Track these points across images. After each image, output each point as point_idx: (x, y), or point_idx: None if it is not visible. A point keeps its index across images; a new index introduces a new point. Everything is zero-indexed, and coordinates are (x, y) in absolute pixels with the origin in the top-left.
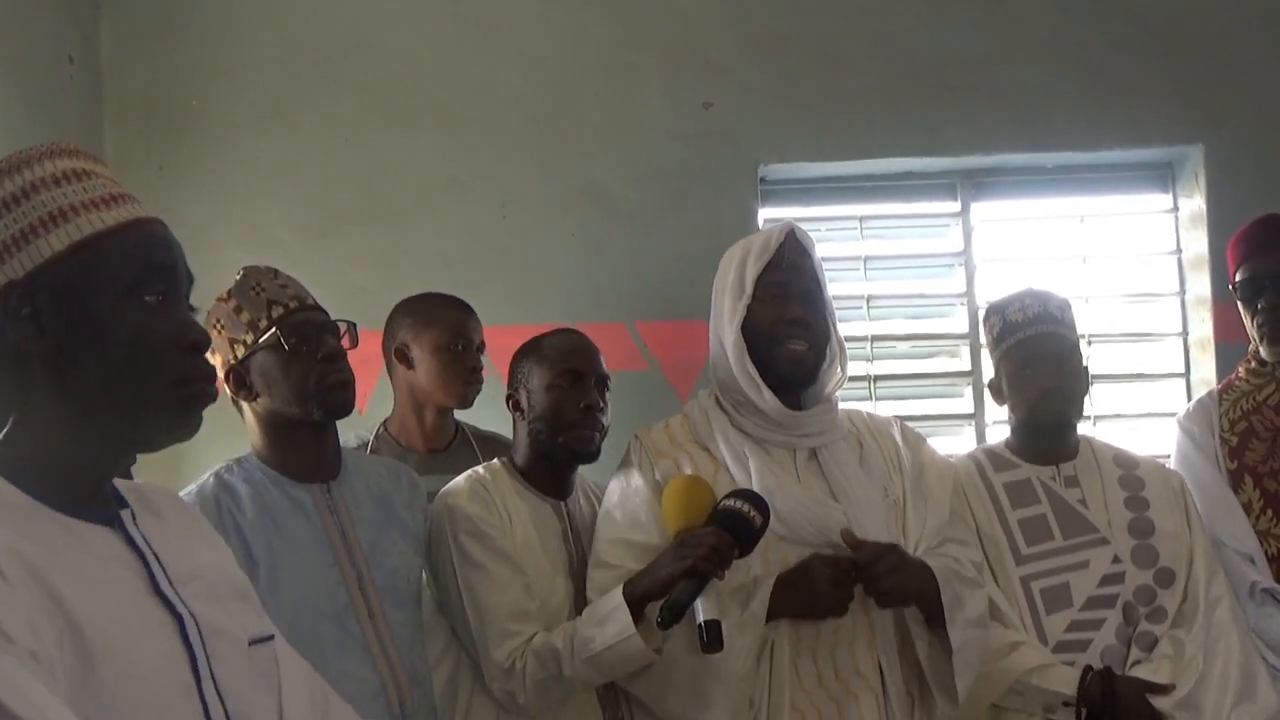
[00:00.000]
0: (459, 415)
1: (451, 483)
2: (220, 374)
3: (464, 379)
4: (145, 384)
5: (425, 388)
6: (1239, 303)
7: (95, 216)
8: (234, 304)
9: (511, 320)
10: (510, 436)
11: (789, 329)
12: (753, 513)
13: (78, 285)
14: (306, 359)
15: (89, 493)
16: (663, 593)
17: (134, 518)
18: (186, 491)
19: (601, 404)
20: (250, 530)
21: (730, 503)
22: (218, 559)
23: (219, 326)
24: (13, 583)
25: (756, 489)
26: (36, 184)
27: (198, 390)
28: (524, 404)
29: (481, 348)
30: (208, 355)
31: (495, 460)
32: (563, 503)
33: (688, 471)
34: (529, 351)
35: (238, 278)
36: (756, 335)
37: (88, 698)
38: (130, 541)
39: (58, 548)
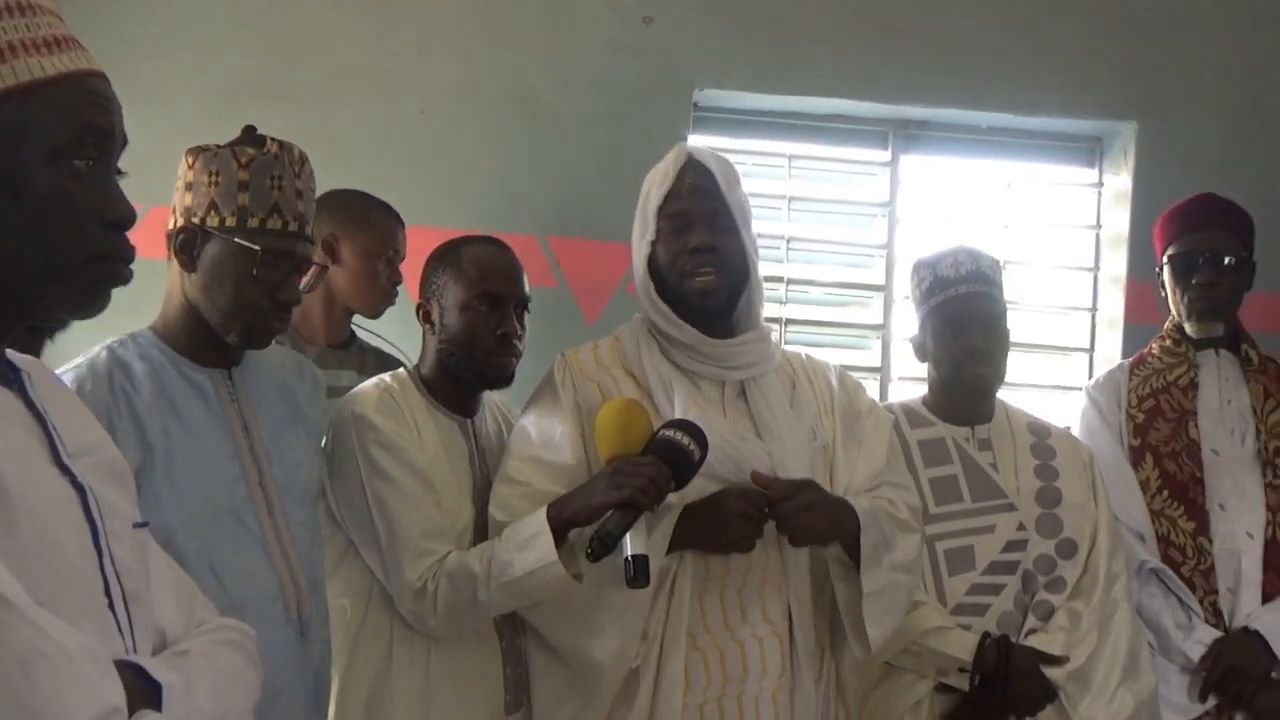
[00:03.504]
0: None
1: (356, 390)
2: (172, 222)
3: (385, 292)
4: (57, 254)
5: (344, 288)
6: (1167, 278)
7: (35, 61)
8: (241, 172)
9: (419, 221)
10: (398, 354)
11: (692, 259)
12: (692, 445)
13: (2, 135)
14: (264, 289)
15: None
16: (590, 520)
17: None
18: (73, 365)
19: (520, 330)
20: (146, 413)
21: (670, 433)
22: (100, 438)
23: (211, 177)
24: None
25: None
26: None
27: (112, 271)
28: (435, 319)
29: (402, 260)
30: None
31: (402, 370)
32: (469, 421)
33: (613, 396)
34: (444, 261)
35: (269, 148)
36: (665, 270)
37: (8, 558)
38: (31, 406)
39: None
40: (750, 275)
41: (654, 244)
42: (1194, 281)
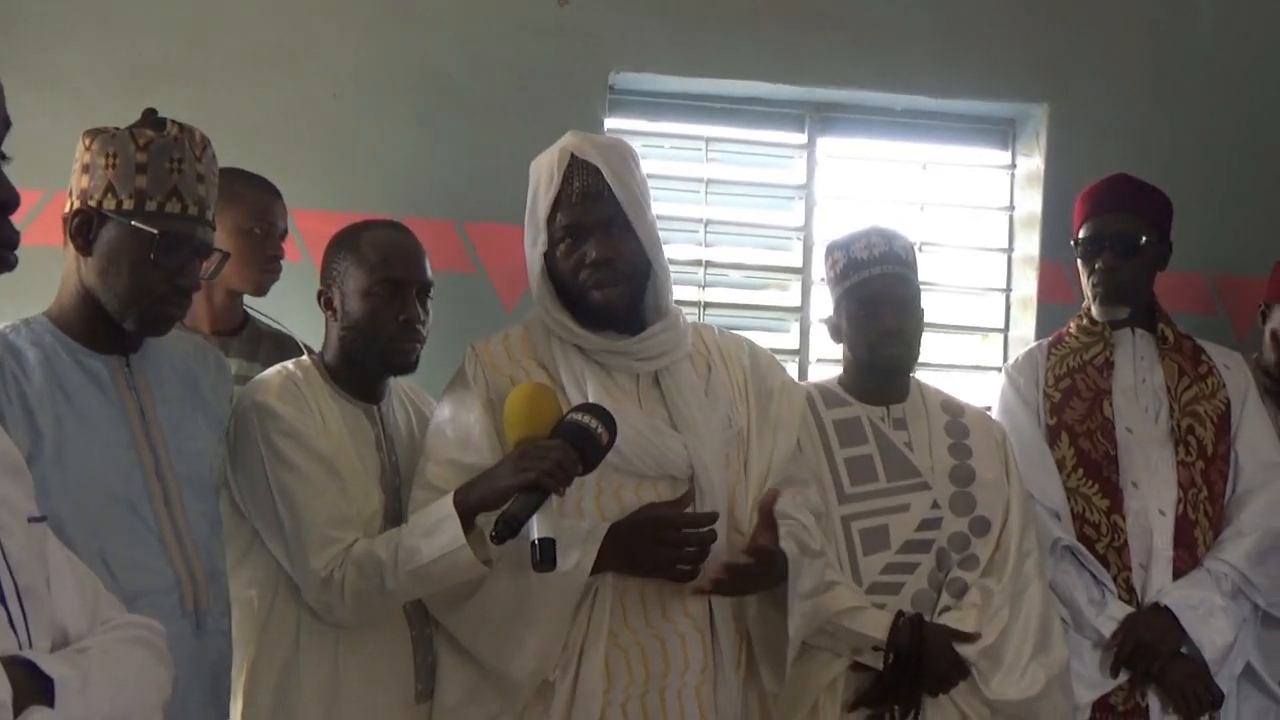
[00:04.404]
0: (253, 303)
1: (258, 378)
2: (68, 205)
3: (262, 266)
4: None
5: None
6: (1078, 259)
7: None
8: (140, 155)
9: (333, 206)
10: (299, 338)
11: (592, 274)
12: (600, 429)
13: None
14: (162, 274)
15: None
16: (497, 504)
17: None
18: None
19: (422, 315)
20: (36, 400)
21: (578, 416)
22: None
23: (109, 159)
24: None
25: None
26: None
27: None
28: (337, 305)
29: (284, 234)
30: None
31: (305, 357)
32: (375, 407)
33: (533, 380)
34: (344, 246)
35: (169, 130)
36: (563, 279)
37: None
38: None
39: None
40: (653, 265)
41: (545, 256)
42: (1098, 266)
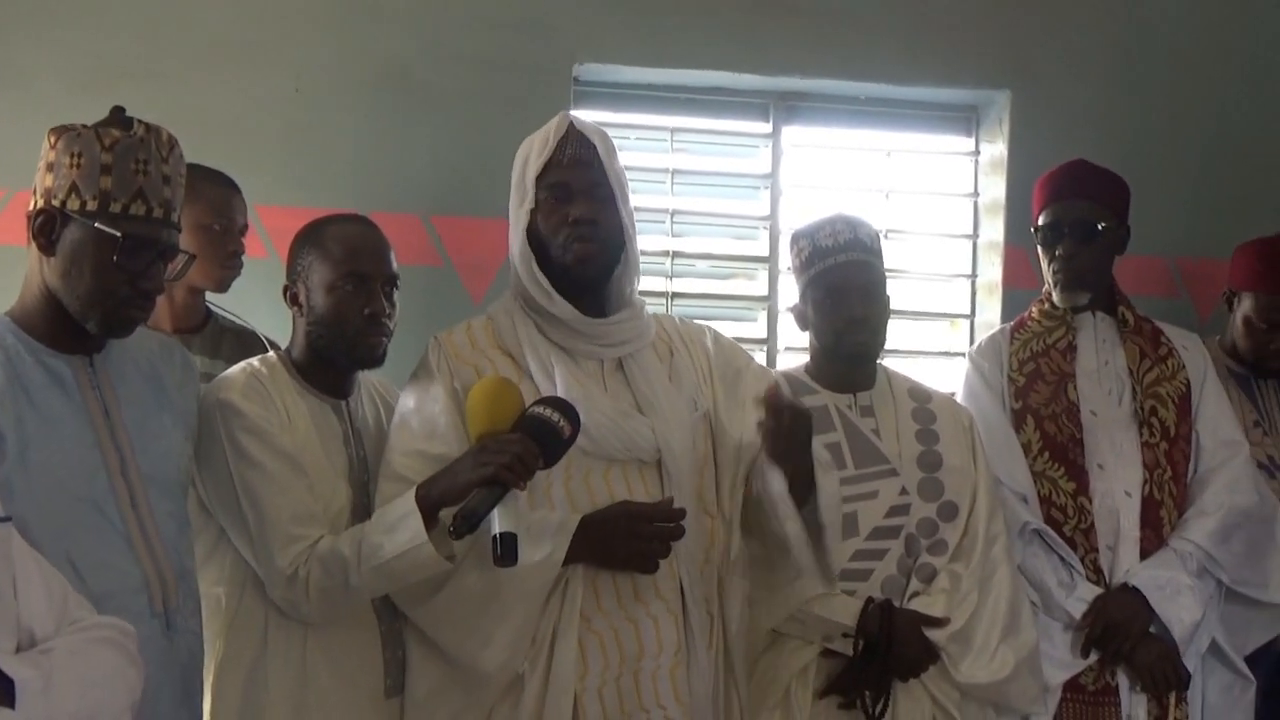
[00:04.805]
0: (220, 300)
1: (223, 375)
2: (32, 203)
3: (222, 262)
4: None
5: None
6: (1039, 245)
7: None
8: (105, 155)
9: (298, 202)
10: (262, 334)
11: (573, 230)
12: (562, 422)
13: None
14: (124, 276)
15: None
16: (459, 499)
17: None
18: None
19: (388, 308)
20: None
21: (539, 410)
22: None
23: (73, 158)
24: None
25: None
26: None
27: None
28: (302, 301)
29: (244, 230)
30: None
31: (271, 354)
32: (343, 403)
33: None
34: (309, 241)
35: (135, 130)
36: (544, 240)
37: None
38: None
39: None
40: (626, 248)
41: (533, 213)
42: (1058, 253)
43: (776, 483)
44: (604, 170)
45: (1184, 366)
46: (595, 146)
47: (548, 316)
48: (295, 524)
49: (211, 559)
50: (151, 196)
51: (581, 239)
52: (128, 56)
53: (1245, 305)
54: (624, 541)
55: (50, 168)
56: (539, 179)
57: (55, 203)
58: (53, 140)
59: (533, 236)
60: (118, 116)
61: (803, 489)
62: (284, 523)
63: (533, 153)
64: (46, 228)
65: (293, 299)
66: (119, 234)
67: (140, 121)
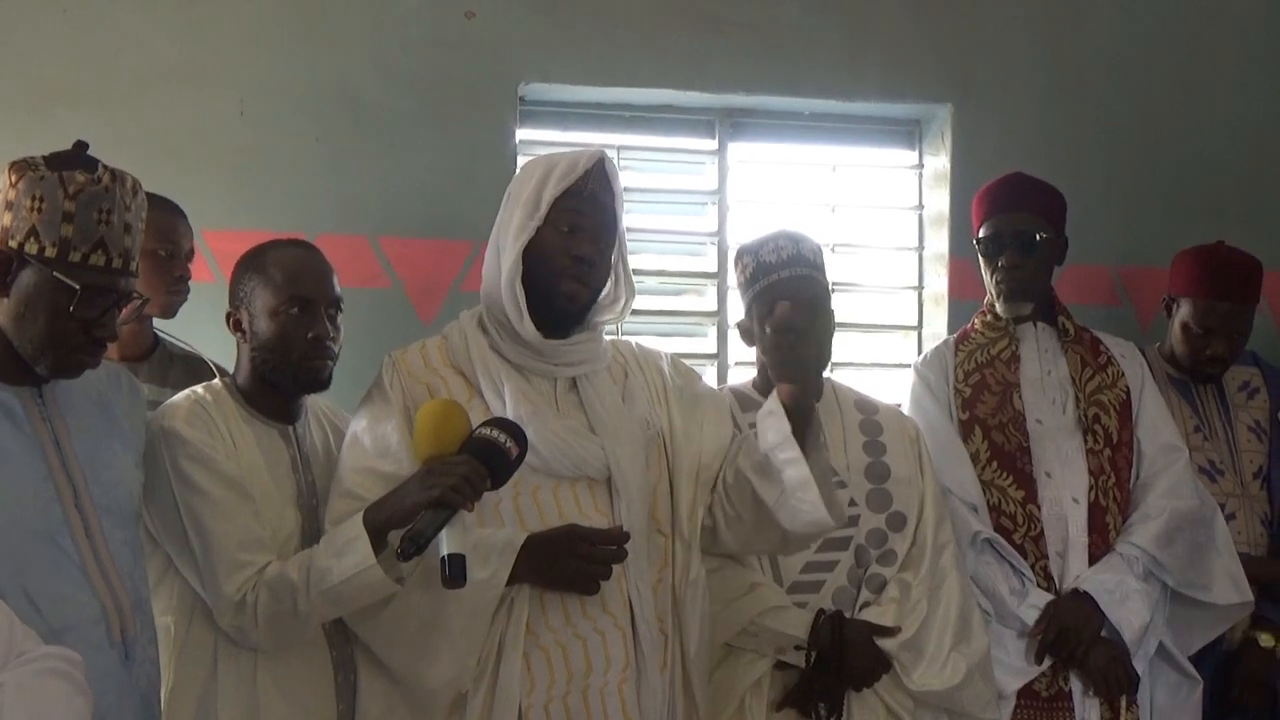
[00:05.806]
0: (167, 326)
1: (167, 403)
2: None
3: (168, 287)
4: None
5: None
6: (980, 258)
7: None
8: (68, 203)
9: (245, 225)
10: (210, 359)
11: (574, 266)
12: (509, 443)
13: None
14: (78, 324)
15: None
16: (405, 522)
17: None
18: None
19: (332, 331)
20: None
21: (485, 431)
22: None
23: (35, 202)
24: None
25: (511, 418)
26: None
27: None
28: (246, 326)
29: (190, 255)
30: None
31: (216, 380)
32: (291, 428)
33: (442, 397)
34: (251, 267)
35: (100, 176)
36: (539, 261)
37: None
38: None
39: None
40: (603, 292)
41: (538, 229)
42: (1000, 264)
43: (773, 432)
44: (615, 217)
45: (1123, 374)
46: (615, 194)
47: (504, 332)
48: (242, 550)
49: (159, 587)
50: (112, 247)
51: (578, 278)
52: (73, 81)
53: (1183, 311)
54: (566, 562)
55: (9, 206)
56: (556, 201)
57: (13, 244)
58: (13, 179)
59: (526, 254)
60: (80, 155)
61: (803, 416)
62: (230, 549)
63: (554, 174)
64: (2, 268)
65: (236, 325)
66: (78, 286)
67: (105, 166)
